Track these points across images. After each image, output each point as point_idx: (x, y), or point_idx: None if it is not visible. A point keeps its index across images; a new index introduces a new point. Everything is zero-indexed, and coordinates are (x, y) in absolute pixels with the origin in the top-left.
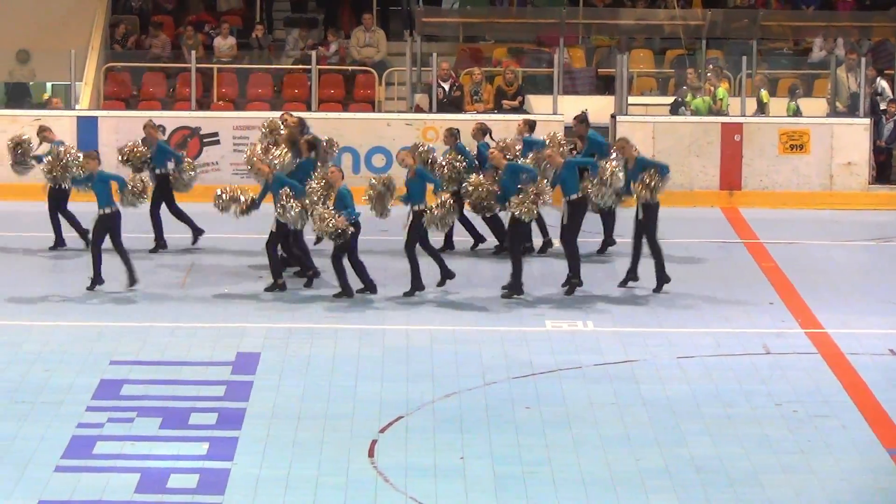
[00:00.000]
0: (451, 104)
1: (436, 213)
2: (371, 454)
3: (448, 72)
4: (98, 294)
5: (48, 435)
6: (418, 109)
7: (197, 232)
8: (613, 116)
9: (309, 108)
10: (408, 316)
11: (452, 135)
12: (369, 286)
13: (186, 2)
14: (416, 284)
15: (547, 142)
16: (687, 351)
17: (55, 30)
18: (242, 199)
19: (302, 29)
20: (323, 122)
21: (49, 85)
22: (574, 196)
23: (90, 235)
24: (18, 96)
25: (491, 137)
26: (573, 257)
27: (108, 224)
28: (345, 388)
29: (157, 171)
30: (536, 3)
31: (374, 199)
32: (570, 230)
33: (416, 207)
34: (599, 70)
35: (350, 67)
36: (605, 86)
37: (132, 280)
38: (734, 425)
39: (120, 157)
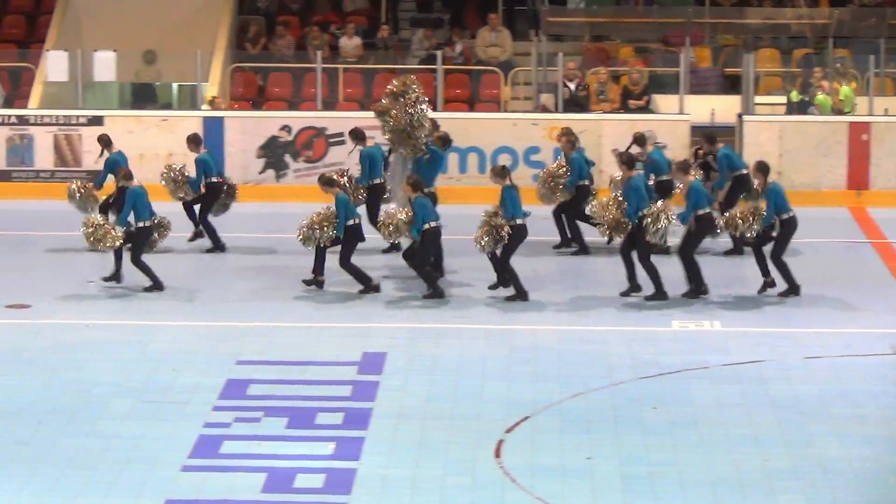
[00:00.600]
0: (577, 104)
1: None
2: (498, 454)
3: (574, 71)
4: (225, 294)
5: (175, 434)
6: (544, 109)
7: (197, 236)
8: (740, 116)
9: (435, 108)
10: (534, 316)
11: (570, 141)
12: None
13: (312, 2)
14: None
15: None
16: (814, 351)
17: (181, 31)
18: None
19: (427, 29)
20: (448, 122)
21: (175, 86)
22: (702, 211)
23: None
24: (144, 97)
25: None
26: (691, 268)
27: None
28: (471, 388)
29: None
30: (663, 2)
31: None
32: (690, 243)
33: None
34: (726, 69)
35: (475, 67)
36: (731, 85)
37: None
38: (862, 426)
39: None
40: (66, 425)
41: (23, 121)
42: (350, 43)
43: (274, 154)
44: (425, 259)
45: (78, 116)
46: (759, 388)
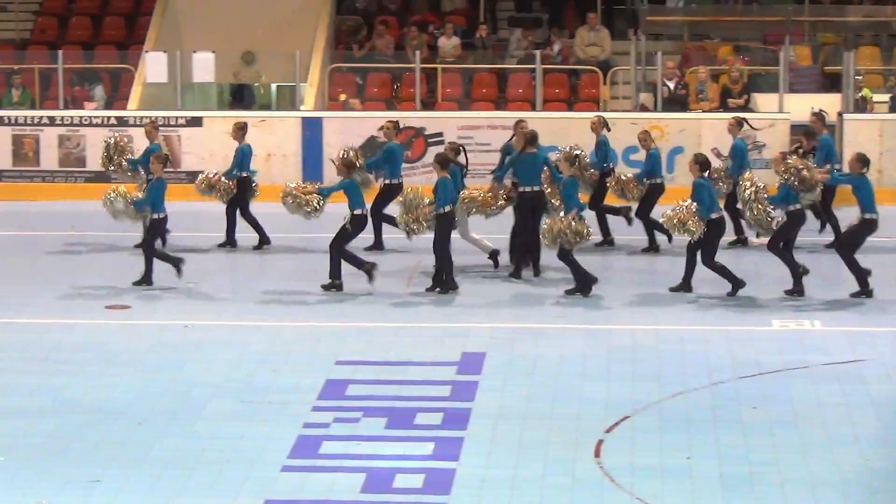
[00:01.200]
0: (677, 103)
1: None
2: (597, 454)
3: (673, 70)
4: (323, 294)
5: (275, 435)
6: (643, 108)
7: (260, 239)
8: (840, 114)
9: (533, 108)
10: (634, 315)
11: (601, 122)
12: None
13: (411, 2)
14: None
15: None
16: None
17: (280, 31)
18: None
19: (526, 28)
20: (548, 122)
21: (273, 87)
22: (794, 207)
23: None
24: (242, 98)
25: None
26: (790, 265)
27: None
28: (571, 387)
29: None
30: (762, 0)
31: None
32: (780, 237)
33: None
34: (825, 68)
35: (574, 67)
36: (831, 83)
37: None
38: None
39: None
40: (165, 426)
41: (122, 122)
42: (448, 43)
43: (373, 154)
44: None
45: (177, 117)
46: (860, 388)
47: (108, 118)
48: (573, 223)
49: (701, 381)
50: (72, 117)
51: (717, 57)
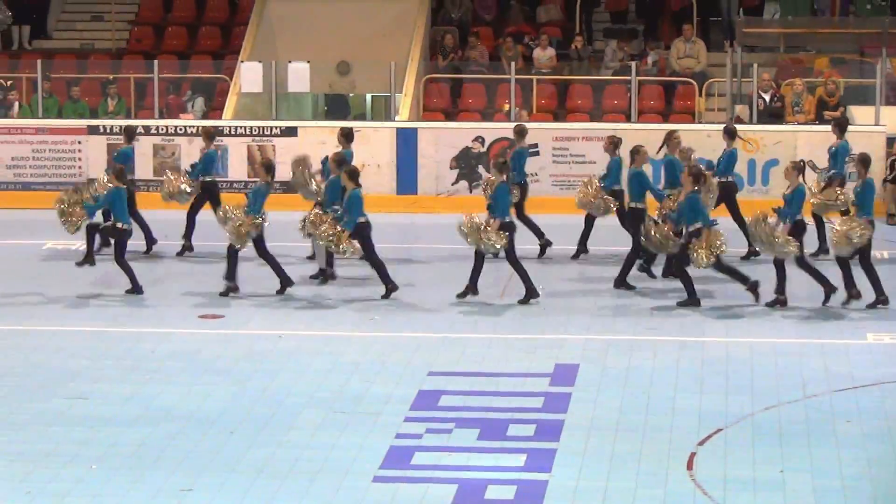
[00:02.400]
0: (772, 115)
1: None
2: (689, 467)
3: (769, 82)
4: (417, 305)
5: (366, 445)
6: (738, 121)
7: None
8: None
9: (628, 119)
10: (727, 328)
11: (612, 143)
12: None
13: (506, 13)
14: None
15: None
16: None
17: (376, 42)
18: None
19: (621, 40)
20: (643, 133)
21: (368, 97)
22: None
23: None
24: (337, 108)
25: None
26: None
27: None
28: (664, 400)
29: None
30: (859, 12)
31: None
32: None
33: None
34: None
35: (670, 78)
36: None
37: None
38: None
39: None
40: (257, 435)
41: (217, 132)
42: (543, 54)
43: (467, 165)
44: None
45: (272, 128)
46: None
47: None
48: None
49: (795, 394)
50: (167, 126)
51: (812, 69)
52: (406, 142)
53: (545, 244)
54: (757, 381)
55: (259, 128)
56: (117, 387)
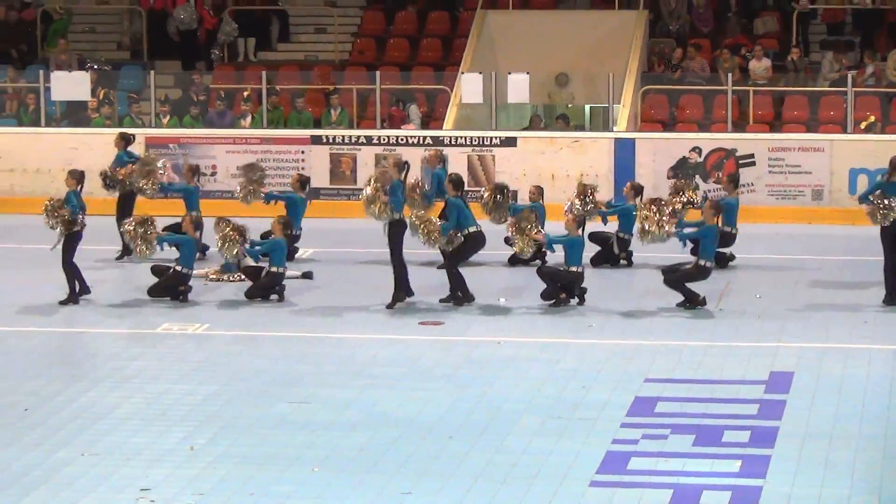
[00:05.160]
0: None
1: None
2: None
3: None
4: (630, 314)
5: (583, 450)
6: None
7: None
8: None
9: (844, 130)
10: None
11: (438, 157)
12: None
13: (723, 25)
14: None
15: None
16: None
17: (594, 54)
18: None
19: (838, 51)
20: (858, 144)
21: (587, 108)
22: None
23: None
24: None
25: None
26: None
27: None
28: (879, 408)
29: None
30: None
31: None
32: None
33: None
34: None
35: (887, 89)
36: None
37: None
38: None
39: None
40: (476, 440)
41: (437, 142)
42: (759, 65)
43: (685, 175)
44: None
45: (491, 138)
46: None
47: (424, 138)
48: None
49: None
50: (388, 136)
51: None
52: (624, 152)
53: None
54: None
55: (479, 138)
56: (339, 392)
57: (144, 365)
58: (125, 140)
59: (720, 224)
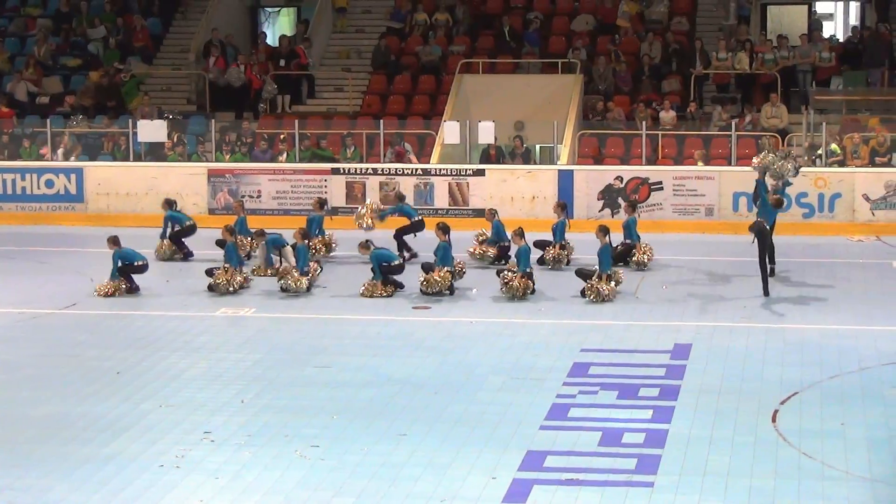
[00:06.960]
0: (837, 161)
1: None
2: (773, 420)
3: (835, 136)
4: (567, 300)
5: (535, 402)
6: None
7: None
8: None
9: (729, 163)
10: (803, 315)
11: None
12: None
13: (639, 85)
14: None
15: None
16: None
17: (543, 106)
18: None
19: (724, 105)
20: (740, 174)
21: (538, 147)
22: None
23: None
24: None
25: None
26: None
27: None
28: (754, 371)
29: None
30: None
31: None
32: None
33: None
34: None
35: (760, 133)
36: None
37: None
38: None
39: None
40: (454, 395)
41: (426, 172)
42: (667, 115)
43: (610, 197)
44: None
45: (466, 170)
46: None
47: (417, 170)
48: None
49: (853, 366)
50: (389, 168)
51: (867, 126)
52: (565, 180)
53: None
54: (824, 356)
55: (457, 169)
56: (353, 359)
57: (207, 339)
58: (169, 203)
59: (624, 239)
